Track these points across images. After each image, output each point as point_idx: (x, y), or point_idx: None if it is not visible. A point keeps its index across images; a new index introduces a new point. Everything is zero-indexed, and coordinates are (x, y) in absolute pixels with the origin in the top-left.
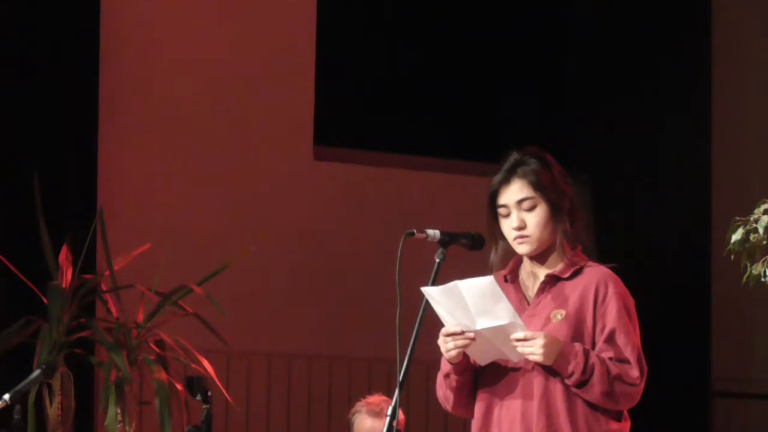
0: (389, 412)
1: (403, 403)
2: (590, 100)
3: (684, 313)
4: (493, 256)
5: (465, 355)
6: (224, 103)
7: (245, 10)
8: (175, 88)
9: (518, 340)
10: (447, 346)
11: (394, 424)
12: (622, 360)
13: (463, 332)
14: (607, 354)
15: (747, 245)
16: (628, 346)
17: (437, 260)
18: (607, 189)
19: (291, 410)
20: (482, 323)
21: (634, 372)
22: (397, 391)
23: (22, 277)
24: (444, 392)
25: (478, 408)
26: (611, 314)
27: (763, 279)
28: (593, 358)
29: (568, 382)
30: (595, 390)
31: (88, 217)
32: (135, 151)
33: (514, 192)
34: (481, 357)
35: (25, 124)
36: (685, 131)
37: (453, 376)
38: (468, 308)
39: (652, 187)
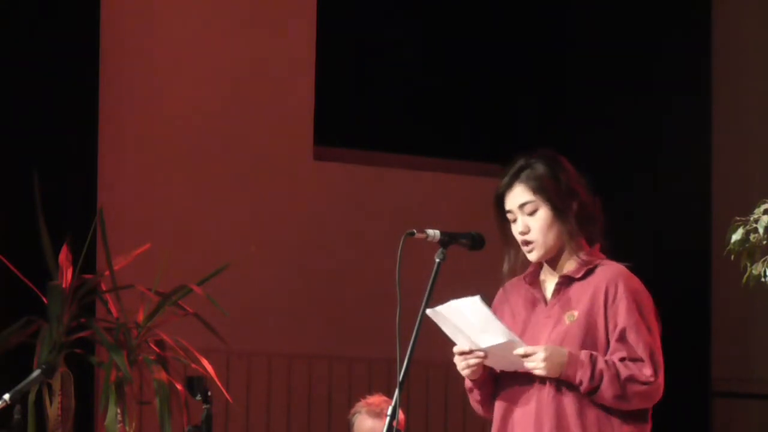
0: (389, 412)
1: (403, 403)
2: (590, 100)
3: (684, 313)
4: (505, 267)
5: (484, 369)
6: (224, 102)
7: (245, 10)
8: (175, 88)
9: (521, 356)
10: (460, 365)
11: (394, 424)
12: (635, 359)
13: (471, 351)
14: (619, 354)
15: (747, 245)
16: (640, 343)
17: (437, 260)
18: (606, 189)
19: (291, 410)
20: (485, 341)
21: (647, 370)
22: (397, 391)
23: (22, 277)
24: (473, 404)
25: (497, 412)
26: (622, 313)
27: (763, 279)
28: (601, 364)
29: (580, 389)
30: (607, 395)
31: (88, 217)
32: (135, 151)
33: (516, 197)
34: (498, 366)
35: (25, 124)
36: (685, 131)
37: (476, 391)
38: (469, 326)
39: (652, 188)
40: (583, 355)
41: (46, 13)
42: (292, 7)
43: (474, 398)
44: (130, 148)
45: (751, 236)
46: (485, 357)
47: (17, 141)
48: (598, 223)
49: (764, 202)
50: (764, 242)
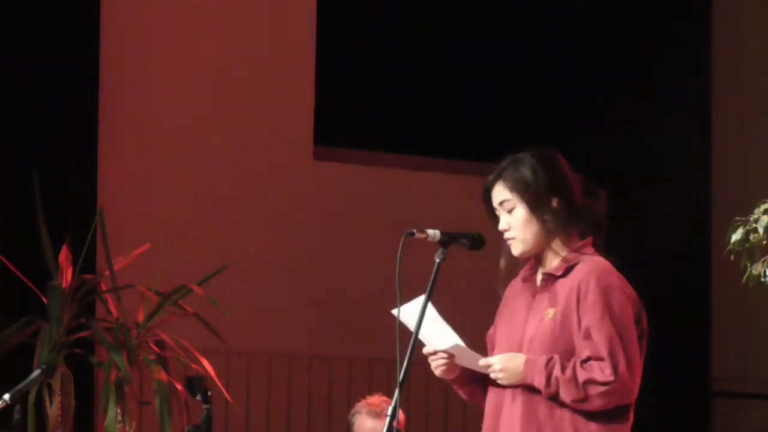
0: (389, 412)
1: (403, 403)
2: (590, 100)
3: (684, 313)
4: (502, 263)
5: (462, 368)
6: (224, 102)
7: (245, 10)
8: (175, 88)
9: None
10: (432, 366)
11: (394, 424)
12: (599, 358)
13: (436, 352)
14: (585, 353)
15: (747, 245)
16: (602, 341)
17: (437, 260)
18: (606, 189)
19: (291, 410)
20: (443, 343)
21: (607, 369)
22: (397, 391)
23: (22, 277)
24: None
25: (488, 405)
26: (588, 310)
27: (763, 279)
28: (556, 371)
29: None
30: (567, 399)
31: (88, 217)
32: (135, 151)
33: (496, 194)
34: (469, 366)
35: (25, 124)
36: (685, 131)
37: (460, 390)
38: (427, 329)
39: (652, 188)
40: (541, 361)
41: (46, 13)
42: (292, 7)
43: (462, 396)
44: (130, 148)
45: (751, 236)
46: (452, 357)
47: (17, 141)
48: (588, 218)
49: (764, 202)
50: (764, 242)
